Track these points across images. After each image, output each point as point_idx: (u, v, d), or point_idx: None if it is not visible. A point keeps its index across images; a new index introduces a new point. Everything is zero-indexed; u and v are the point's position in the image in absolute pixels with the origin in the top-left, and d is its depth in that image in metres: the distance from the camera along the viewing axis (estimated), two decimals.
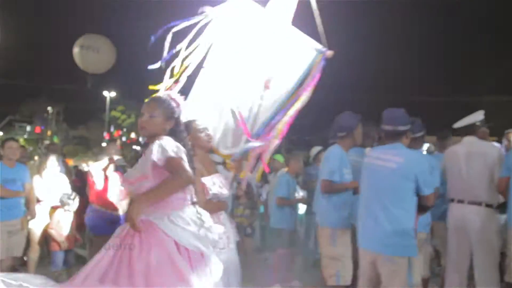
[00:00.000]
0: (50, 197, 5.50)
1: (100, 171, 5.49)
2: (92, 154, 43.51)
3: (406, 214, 3.26)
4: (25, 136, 46.11)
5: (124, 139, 45.73)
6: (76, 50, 9.32)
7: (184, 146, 2.61)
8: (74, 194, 5.49)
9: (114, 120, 43.34)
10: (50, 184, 5.62)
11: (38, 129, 42.42)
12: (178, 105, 2.73)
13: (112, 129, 43.66)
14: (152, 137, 2.59)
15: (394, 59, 32.65)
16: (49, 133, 42.47)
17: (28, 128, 45.89)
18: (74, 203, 5.35)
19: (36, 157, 33.75)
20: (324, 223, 4.18)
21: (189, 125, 3.26)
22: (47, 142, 43.78)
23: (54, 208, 5.53)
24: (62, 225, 5.16)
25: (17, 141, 5.55)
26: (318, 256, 6.66)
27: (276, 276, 5.63)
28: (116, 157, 5.66)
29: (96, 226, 5.48)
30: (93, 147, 44.95)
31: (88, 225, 5.53)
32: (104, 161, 5.55)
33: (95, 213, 5.46)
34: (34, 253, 5.54)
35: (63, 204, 5.27)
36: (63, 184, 5.88)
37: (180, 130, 2.70)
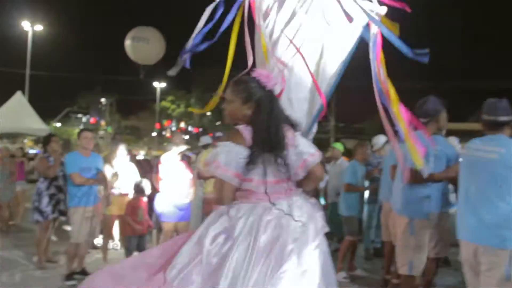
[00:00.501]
0: (122, 185, 5.65)
1: (169, 161, 5.58)
2: (143, 143, 44.99)
3: (509, 206, 3.10)
4: (81, 127, 48.29)
5: (174, 128, 46.88)
6: (127, 42, 9.52)
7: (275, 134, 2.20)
8: (145, 181, 5.61)
9: (164, 110, 44.38)
10: (120, 172, 5.78)
11: (93, 120, 44.23)
12: (262, 84, 2.28)
13: (162, 119, 44.78)
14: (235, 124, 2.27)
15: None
16: (103, 123, 44.16)
17: (84, 119, 48.07)
18: (147, 190, 5.46)
19: None
20: (402, 212, 4.04)
21: None
22: (101, 132, 45.67)
23: (125, 195, 5.70)
24: (136, 211, 5.29)
25: (91, 131, 5.69)
26: (379, 245, 6.53)
27: (341, 264, 5.53)
28: (182, 147, 5.74)
29: (166, 213, 5.60)
30: (144, 137, 46.40)
31: (158, 212, 5.65)
32: (174, 150, 5.63)
33: (165, 200, 5.57)
34: (108, 238, 5.73)
35: (136, 190, 5.41)
36: (133, 172, 6.03)
37: (263, 117, 2.21)
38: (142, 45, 9.35)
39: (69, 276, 4.93)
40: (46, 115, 22.42)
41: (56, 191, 5.78)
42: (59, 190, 5.82)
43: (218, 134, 6.60)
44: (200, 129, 45.99)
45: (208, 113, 44.04)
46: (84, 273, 5.02)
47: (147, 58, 9.74)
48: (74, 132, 33.18)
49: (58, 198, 5.81)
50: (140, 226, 5.33)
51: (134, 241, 5.30)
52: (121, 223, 5.66)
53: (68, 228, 6.18)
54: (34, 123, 14.78)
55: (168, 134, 46.72)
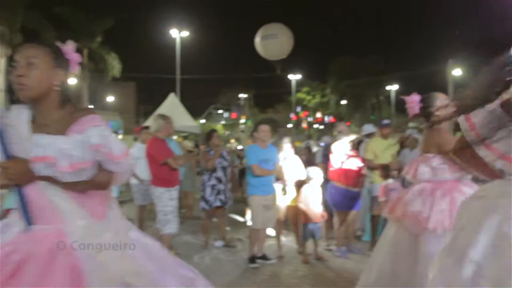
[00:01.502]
0: (292, 175, 5.82)
1: (341, 150, 5.59)
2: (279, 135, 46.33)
3: None
4: (223, 122, 51.70)
5: (310, 119, 47.35)
6: (257, 40, 9.70)
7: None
8: (316, 169, 5.70)
9: (300, 102, 45.08)
10: (287, 164, 5.94)
11: (234, 115, 47.01)
12: None
13: (298, 110, 45.47)
14: None
15: None
16: (243, 117, 46.59)
17: (226, 114, 51.43)
18: (319, 178, 5.55)
19: (232, 140, 37.00)
20: None
21: None
22: (242, 126, 48.19)
23: (294, 186, 5.86)
24: (310, 199, 5.42)
25: (268, 124, 5.92)
26: None
27: None
28: (351, 136, 5.69)
29: (337, 202, 5.63)
30: (281, 128, 47.77)
31: (330, 202, 5.71)
32: (345, 140, 5.62)
33: (336, 190, 5.59)
34: (281, 227, 5.95)
35: (308, 179, 5.53)
36: (298, 163, 6.15)
37: None
38: (271, 41, 9.50)
39: (252, 259, 5.27)
40: (194, 113, 24.37)
41: (216, 182, 6.21)
42: (219, 181, 6.25)
43: (386, 121, 6.36)
44: (337, 119, 45.69)
45: (344, 102, 43.46)
46: (264, 258, 5.31)
47: (278, 54, 9.87)
48: (217, 127, 35.72)
49: (219, 189, 6.26)
50: (314, 214, 5.43)
51: (310, 229, 5.42)
52: (294, 213, 5.84)
53: (235, 216, 6.67)
54: (186, 121, 16.13)
55: (304, 125, 47.46)
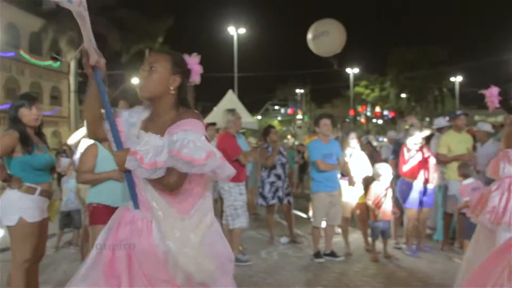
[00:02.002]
0: (359, 171, 5.70)
1: (413, 145, 5.41)
2: (336, 130, 45.72)
3: None
4: (279, 118, 51.74)
5: (369, 113, 46.28)
6: (309, 39, 9.52)
7: None
8: (385, 165, 5.55)
9: (358, 96, 44.11)
10: (355, 159, 5.81)
11: (291, 111, 46.97)
12: None
13: (356, 104, 44.51)
14: None
15: None
16: (300, 113, 46.39)
17: (282, 110, 51.48)
18: (387, 175, 5.40)
19: (289, 136, 36.93)
20: None
21: None
22: (298, 122, 47.97)
23: (360, 182, 5.75)
24: (379, 196, 5.29)
25: (330, 117, 5.84)
26: None
27: None
28: (425, 131, 5.49)
29: (409, 199, 5.45)
30: (338, 124, 47.11)
31: (400, 198, 5.55)
32: (417, 134, 5.43)
33: (407, 186, 5.42)
34: (346, 222, 5.86)
35: (377, 176, 5.40)
36: (364, 159, 6.01)
37: None
38: (323, 39, 9.30)
39: (317, 255, 5.23)
40: (251, 109, 24.57)
41: (275, 179, 6.19)
42: (278, 178, 6.22)
43: (459, 112, 6.05)
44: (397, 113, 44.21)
45: (404, 95, 42.02)
46: (333, 254, 5.25)
47: (331, 50, 9.66)
48: (273, 123, 35.82)
49: (277, 186, 6.23)
50: (384, 212, 5.30)
51: (379, 227, 5.30)
52: (361, 210, 5.74)
53: (297, 212, 6.67)
54: (244, 117, 16.36)
55: (363, 120, 46.45)
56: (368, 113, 46.54)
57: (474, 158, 5.59)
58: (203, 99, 44.68)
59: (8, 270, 4.72)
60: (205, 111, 26.76)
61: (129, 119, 2.05)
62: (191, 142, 1.78)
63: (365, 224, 5.82)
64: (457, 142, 5.66)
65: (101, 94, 2.00)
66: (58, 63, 35.32)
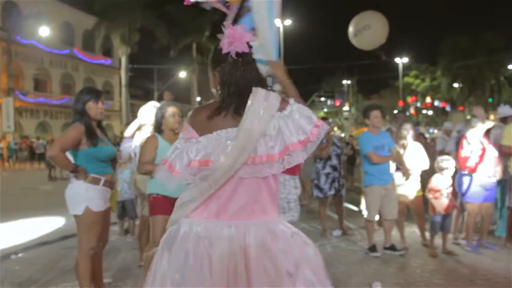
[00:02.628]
0: (415, 163, 5.50)
1: (476, 137, 5.16)
2: (384, 122, 44.71)
3: None
4: (326, 110, 51.08)
5: (418, 104, 44.77)
6: (350, 33, 9.24)
7: None
8: (448, 158, 5.32)
9: (408, 86, 42.74)
10: (410, 151, 5.61)
11: (337, 102, 46.27)
12: None
13: (405, 95, 43.15)
14: None
15: None
16: (346, 105, 45.61)
17: (329, 102, 50.83)
18: (451, 169, 5.17)
19: (335, 128, 36.44)
20: None
21: None
22: (345, 113, 47.23)
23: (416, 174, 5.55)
24: (441, 190, 5.08)
25: (379, 108, 5.69)
26: None
27: None
28: (488, 123, 5.21)
29: (470, 193, 5.20)
30: (386, 115, 45.92)
31: (461, 192, 5.31)
32: (480, 126, 5.17)
33: (469, 180, 5.17)
34: (402, 216, 5.68)
35: (440, 169, 5.19)
36: (420, 150, 5.78)
37: None
38: (365, 34, 9.00)
39: (372, 249, 5.11)
40: None
41: (331, 170, 6.09)
42: (334, 169, 6.12)
43: None
44: (448, 103, 42.47)
45: (456, 85, 40.25)
46: (393, 248, 5.11)
47: (375, 43, 9.33)
48: (320, 115, 35.34)
49: (334, 176, 6.13)
50: (444, 206, 5.09)
51: (439, 221, 5.10)
52: (418, 203, 5.55)
53: (348, 205, 6.56)
54: None
55: (412, 111, 45.01)
56: (418, 104, 45.00)
57: None
58: None
59: (70, 257, 4.98)
60: None
61: None
62: None
63: (422, 218, 5.62)
64: None
65: None
66: (109, 60, 36.69)
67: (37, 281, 4.17)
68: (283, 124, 1.65)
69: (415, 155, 5.57)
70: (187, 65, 29.35)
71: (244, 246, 1.60)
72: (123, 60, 25.48)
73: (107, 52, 35.95)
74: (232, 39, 1.70)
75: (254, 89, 1.68)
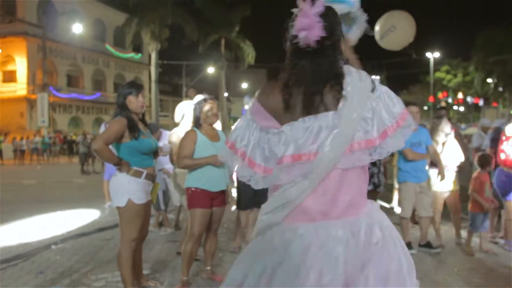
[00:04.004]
0: (452, 159, 5.40)
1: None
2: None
3: None
4: None
5: (450, 100, 43.69)
6: (377, 37, 9.06)
7: None
8: (488, 155, 5.21)
9: (439, 82, 41.77)
10: (447, 147, 5.51)
11: None
12: None
13: (436, 91, 42.15)
14: None
15: None
16: None
17: None
18: (490, 165, 5.05)
19: None
20: None
21: None
22: None
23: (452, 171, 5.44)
24: (483, 186, 4.97)
25: (417, 105, 5.61)
26: None
27: None
28: None
29: (509, 191, 5.08)
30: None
31: (499, 190, 5.18)
32: None
33: (507, 177, 5.04)
34: (437, 214, 5.58)
35: (481, 164, 5.06)
36: (456, 146, 5.66)
37: None
38: (391, 36, 8.81)
39: (408, 246, 5.05)
40: None
41: (370, 165, 6.01)
42: (373, 164, 6.03)
43: None
44: (481, 99, 41.28)
45: (491, 80, 39.04)
46: (429, 245, 5.03)
47: (402, 43, 9.14)
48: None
49: (372, 172, 6.04)
50: (488, 203, 4.98)
51: (480, 218, 4.99)
52: (453, 200, 5.45)
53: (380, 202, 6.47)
54: None
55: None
56: (449, 100, 43.92)
57: None
58: None
59: (107, 249, 5.11)
60: None
61: None
62: None
63: (458, 215, 5.51)
64: None
65: None
66: (139, 55, 37.27)
67: (77, 271, 4.30)
68: (375, 105, 1.48)
69: (452, 152, 5.46)
70: (215, 61, 29.52)
71: (363, 244, 1.41)
72: (153, 56, 25.84)
73: (137, 48, 36.59)
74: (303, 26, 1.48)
75: (346, 67, 1.51)
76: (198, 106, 3.74)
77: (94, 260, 4.69)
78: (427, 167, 5.32)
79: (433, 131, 5.66)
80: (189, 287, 3.74)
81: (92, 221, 6.87)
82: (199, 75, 32.41)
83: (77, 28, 27.10)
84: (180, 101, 4.99)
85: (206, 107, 3.71)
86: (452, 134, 5.67)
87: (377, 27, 9.08)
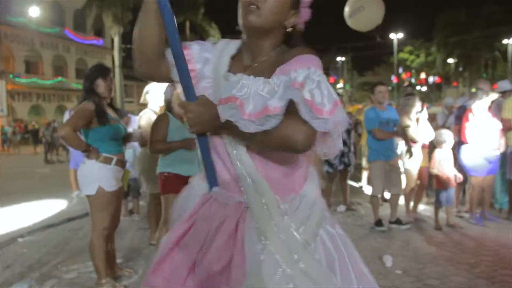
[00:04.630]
0: (422, 138, 5.51)
1: (481, 110, 5.16)
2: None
3: None
4: None
5: (413, 80, 44.67)
6: (346, 14, 9.18)
7: None
8: (447, 131, 5.34)
9: (402, 62, 42.61)
10: (416, 125, 5.61)
11: (332, 79, 46.05)
12: None
13: (400, 71, 43.00)
14: None
15: None
16: (341, 81, 45.43)
17: None
18: (448, 141, 5.19)
19: None
20: None
21: None
22: (340, 90, 47.03)
23: (424, 148, 5.58)
24: (443, 164, 5.12)
25: (385, 85, 5.68)
26: None
27: None
28: (493, 95, 5.21)
29: (474, 166, 5.25)
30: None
31: (465, 165, 5.34)
32: (484, 99, 5.17)
33: (473, 153, 5.20)
34: (410, 191, 5.68)
35: (439, 143, 5.21)
36: (426, 124, 5.75)
37: None
38: (359, 16, 8.93)
39: (378, 223, 5.15)
40: None
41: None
42: (343, 143, 6.11)
43: None
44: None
45: (452, 60, 40.12)
46: (399, 222, 5.15)
47: (370, 25, 9.28)
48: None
49: (343, 151, 6.14)
50: (448, 179, 5.13)
51: (444, 194, 5.15)
52: (422, 175, 5.60)
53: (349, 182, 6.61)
54: None
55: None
56: (413, 80, 44.94)
57: None
58: None
59: (77, 239, 4.98)
60: None
61: (202, 54, 1.49)
62: (319, 84, 1.27)
63: (420, 191, 5.69)
64: None
65: (164, 12, 1.40)
66: (101, 41, 36.12)
67: (47, 263, 4.17)
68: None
69: (424, 129, 5.59)
70: None
71: None
72: (116, 40, 25.05)
73: (98, 32, 35.40)
74: None
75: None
76: (170, 89, 3.64)
77: (64, 251, 4.56)
78: (399, 145, 5.43)
79: (406, 109, 5.74)
80: None
81: (60, 211, 6.67)
82: None
83: (34, 12, 25.89)
84: (145, 86, 4.85)
85: (178, 89, 3.61)
86: (424, 111, 5.79)
87: (346, 6, 9.14)
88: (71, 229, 5.52)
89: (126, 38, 26.27)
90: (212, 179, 1.47)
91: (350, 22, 9.12)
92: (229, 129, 1.34)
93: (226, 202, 1.42)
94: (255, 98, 1.30)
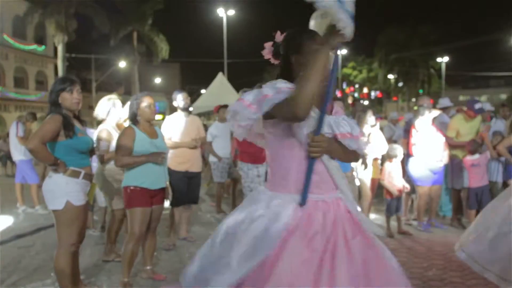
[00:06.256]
0: (374, 150, 5.79)
1: (425, 125, 5.54)
2: None
3: None
4: None
5: (356, 95, 46.54)
6: (311, 23, 9.60)
7: None
8: (397, 146, 5.68)
9: (346, 77, 44.30)
10: (370, 138, 5.88)
11: None
12: None
13: (344, 86, 44.65)
14: None
15: None
16: None
17: None
18: (399, 155, 5.53)
19: None
20: None
21: None
22: None
23: (376, 160, 5.87)
24: (393, 175, 5.43)
25: (341, 100, 5.94)
26: None
27: None
28: (434, 112, 5.64)
29: (421, 177, 5.61)
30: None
31: (412, 176, 5.69)
32: (426, 115, 5.57)
33: (419, 164, 5.56)
34: (366, 200, 5.94)
35: (390, 156, 5.52)
36: (380, 138, 6.05)
37: None
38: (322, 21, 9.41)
39: None
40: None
41: None
42: None
43: (478, 105, 6.03)
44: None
45: (392, 76, 42.27)
46: None
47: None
48: None
49: None
50: (397, 190, 5.45)
51: (394, 204, 5.45)
52: (373, 186, 5.89)
53: None
54: (234, 98, 16.44)
55: (350, 101, 46.80)
56: (356, 94, 46.85)
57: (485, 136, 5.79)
58: (189, 82, 44.47)
59: (30, 256, 4.76)
60: (192, 94, 26.69)
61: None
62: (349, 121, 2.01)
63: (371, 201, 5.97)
64: (467, 127, 5.88)
65: (333, 69, 1.89)
66: (43, 47, 34.60)
67: (2, 283, 3.96)
68: None
69: (377, 142, 5.87)
70: (127, 54, 28.38)
71: None
72: (60, 48, 24.14)
73: (40, 40, 33.90)
74: None
75: None
76: (135, 102, 3.63)
77: (19, 269, 4.34)
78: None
79: (359, 123, 6.00)
80: None
81: (7, 228, 6.32)
82: (111, 69, 30.97)
83: None
84: (89, 96, 4.73)
85: (144, 103, 3.62)
86: (377, 125, 6.09)
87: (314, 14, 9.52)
88: (21, 246, 5.26)
89: (71, 47, 25.38)
90: (307, 193, 1.79)
91: (312, 24, 9.42)
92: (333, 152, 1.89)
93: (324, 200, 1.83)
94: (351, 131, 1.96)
